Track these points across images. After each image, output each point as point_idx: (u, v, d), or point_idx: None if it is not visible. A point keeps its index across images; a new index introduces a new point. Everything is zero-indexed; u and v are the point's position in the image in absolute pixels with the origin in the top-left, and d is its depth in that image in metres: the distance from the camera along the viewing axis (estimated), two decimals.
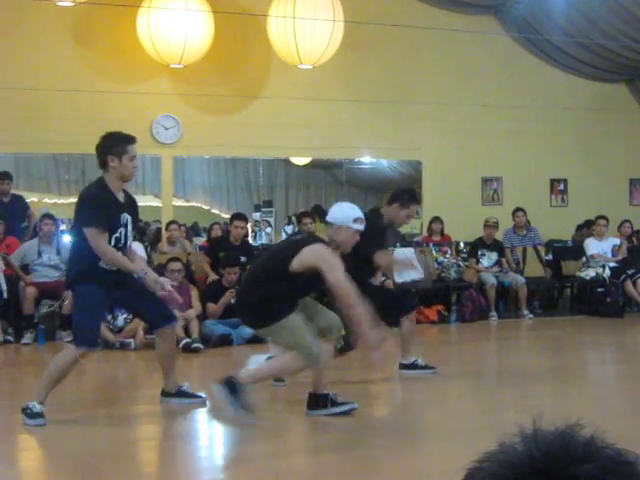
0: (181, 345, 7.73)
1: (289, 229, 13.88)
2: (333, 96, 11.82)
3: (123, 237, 5.11)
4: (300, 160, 14.36)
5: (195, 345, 7.99)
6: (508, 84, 12.72)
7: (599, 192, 12.96)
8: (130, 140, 5.15)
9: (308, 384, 5.24)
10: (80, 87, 10.73)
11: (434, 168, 12.32)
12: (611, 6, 11.51)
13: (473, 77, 12.56)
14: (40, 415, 4.90)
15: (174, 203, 12.32)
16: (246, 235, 10.80)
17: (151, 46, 10.35)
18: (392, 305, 6.36)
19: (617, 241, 11.33)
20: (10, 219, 9.88)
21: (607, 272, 10.86)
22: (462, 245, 11.74)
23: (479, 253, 10.87)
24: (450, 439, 4.58)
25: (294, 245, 5.05)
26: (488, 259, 10.85)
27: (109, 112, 10.42)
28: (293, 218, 13.85)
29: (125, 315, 8.24)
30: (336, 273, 4.74)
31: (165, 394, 5.54)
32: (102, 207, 5.01)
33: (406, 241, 10.78)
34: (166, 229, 10.73)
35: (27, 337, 8.58)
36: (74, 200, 5.48)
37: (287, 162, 14.69)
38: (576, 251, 11.58)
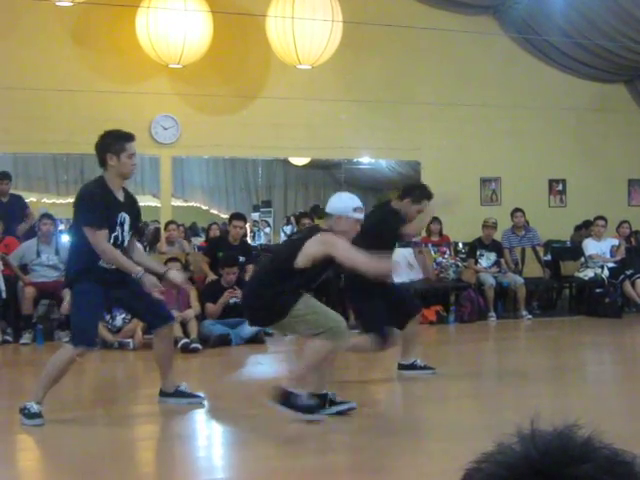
0: (180, 345, 7.73)
1: (288, 229, 13.88)
2: (332, 96, 11.82)
3: (121, 236, 5.11)
4: (299, 160, 14.36)
5: (194, 345, 7.99)
6: (507, 84, 12.72)
7: (598, 193, 12.97)
8: (128, 138, 5.13)
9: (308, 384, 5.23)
10: (79, 87, 10.73)
11: (433, 168, 12.32)
12: (610, 7, 11.51)
13: (472, 77, 12.57)
14: (38, 415, 4.90)
15: (173, 203, 12.32)
16: (245, 235, 10.80)
17: (150, 46, 10.35)
18: (401, 308, 6.36)
19: (616, 242, 11.33)
20: (9, 219, 9.88)
21: (606, 272, 10.86)
22: (461, 245, 11.74)
23: (478, 253, 10.86)
24: (449, 439, 4.58)
25: (296, 243, 5.06)
26: (487, 259, 10.85)
27: (108, 112, 10.41)
28: (292, 218, 13.85)
29: (123, 315, 8.24)
30: (343, 252, 4.84)
31: (163, 394, 5.54)
32: (101, 206, 5.00)
33: (405, 241, 10.77)
34: (165, 229, 10.73)
35: (26, 337, 8.57)
36: (73, 200, 5.46)
37: (286, 162, 14.69)
38: (575, 251, 11.58)
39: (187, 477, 4.25)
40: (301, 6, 10.13)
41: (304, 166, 14.74)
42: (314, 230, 5.14)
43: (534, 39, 12.51)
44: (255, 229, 15.22)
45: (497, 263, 10.86)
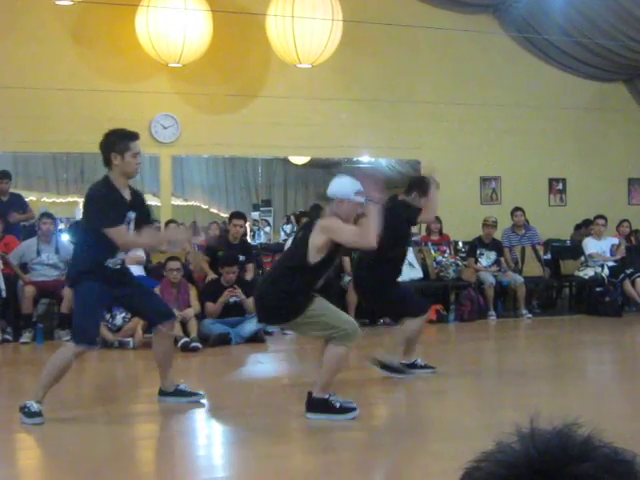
0: (179, 344, 7.73)
1: (288, 228, 13.88)
2: (332, 95, 11.82)
3: None
4: (299, 159, 14.38)
5: (193, 344, 7.98)
6: (507, 83, 12.73)
7: (598, 191, 12.97)
8: (133, 137, 5.13)
9: (308, 384, 5.23)
10: (79, 86, 10.73)
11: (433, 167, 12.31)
12: (610, 5, 11.51)
13: (472, 76, 12.57)
14: (38, 414, 4.90)
15: (173, 202, 12.34)
16: (245, 234, 10.79)
17: (150, 45, 10.34)
18: (404, 307, 6.42)
19: (616, 240, 11.33)
20: (9, 218, 9.87)
21: (606, 271, 10.86)
22: (461, 244, 11.74)
23: (478, 252, 10.86)
24: (449, 438, 4.58)
25: (303, 241, 5.07)
26: (487, 258, 10.84)
27: (108, 111, 10.42)
28: (292, 217, 13.86)
29: (124, 314, 8.24)
30: (343, 234, 4.93)
31: (162, 393, 5.54)
32: (110, 205, 5.02)
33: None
34: (165, 228, 10.71)
35: (26, 336, 8.57)
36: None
37: (286, 161, 14.72)
38: (575, 250, 11.58)
39: (187, 476, 4.25)
40: (301, 5, 10.13)
41: (304, 165, 14.76)
42: (312, 223, 5.17)
43: (534, 38, 12.51)
44: (255, 228, 15.24)
45: (497, 262, 10.86)
